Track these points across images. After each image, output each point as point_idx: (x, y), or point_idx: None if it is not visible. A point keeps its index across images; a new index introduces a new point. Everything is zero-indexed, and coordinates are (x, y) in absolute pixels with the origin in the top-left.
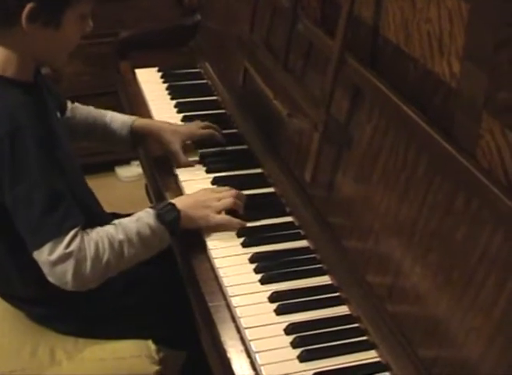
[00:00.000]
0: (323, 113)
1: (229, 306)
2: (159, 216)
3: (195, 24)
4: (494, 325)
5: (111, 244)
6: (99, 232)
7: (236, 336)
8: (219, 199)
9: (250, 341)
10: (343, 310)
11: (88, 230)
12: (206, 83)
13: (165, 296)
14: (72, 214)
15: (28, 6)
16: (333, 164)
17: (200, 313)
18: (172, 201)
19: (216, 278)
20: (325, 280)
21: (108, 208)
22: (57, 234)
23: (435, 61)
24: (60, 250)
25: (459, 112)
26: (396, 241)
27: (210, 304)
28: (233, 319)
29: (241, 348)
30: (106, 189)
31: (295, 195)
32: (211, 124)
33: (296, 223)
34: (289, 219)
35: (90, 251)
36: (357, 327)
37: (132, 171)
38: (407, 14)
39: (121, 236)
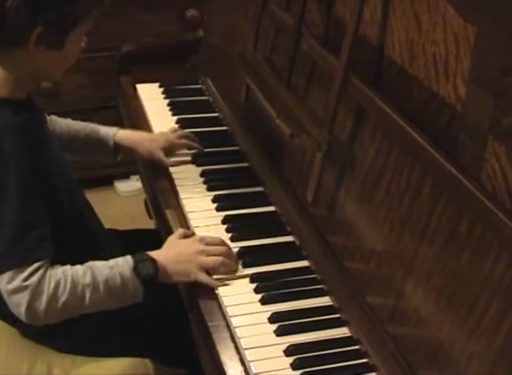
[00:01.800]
0: (326, 133)
1: (228, 326)
2: (135, 269)
3: (197, 40)
4: (497, 350)
5: (73, 286)
6: (65, 271)
7: (236, 357)
8: (208, 254)
9: (250, 361)
10: (343, 332)
11: (56, 267)
12: (207, 100)
13: (163, 314)
14: (41, 247)
15: (37, 30)
16: (335, 184)
17: (200, 333)
18: (154, 253)
19: (216, 298)
20: (325, 301)
21: (106, 224)
22: (19, 264)
23: (440, 83)
24: (18, 281)
25: (464, 135)
26: (399, 263)
27: (209, 323)
28: (233, 339)
29: (241, 368)
30: (105, 204)
31: (296, 215)
32: (185, 132)
33: (297, 243)
34: (289, 238)
35: (48, 289)
36: (357, 349)
37: (131, 185)
38: (412, 35)
39: (87, 280)
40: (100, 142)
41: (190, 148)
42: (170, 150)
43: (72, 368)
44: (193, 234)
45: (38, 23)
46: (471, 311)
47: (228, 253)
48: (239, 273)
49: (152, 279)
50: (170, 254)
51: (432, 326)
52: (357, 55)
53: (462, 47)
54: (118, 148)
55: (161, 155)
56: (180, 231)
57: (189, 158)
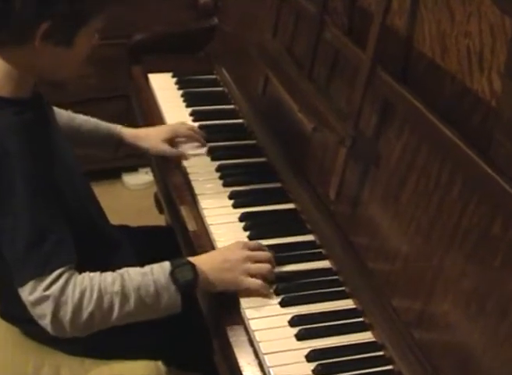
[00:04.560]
0: (351, 128)
1: (247, 329)
2: (172, 275)
3: (212, 28)
4: None
5: (100, 295)
6: (93, 279)
7: (255, 361)
8: (254, 260)
9: (270, 367)
10: (367, 336)
11: (83, 274)
12: (223, 91)
13: (177, 315)
14: (61, 252)
15: (44, 25)
16: (359, 181)
17: (217, 336)
18: (194, 258)
19: (234, 300)
20: (348, 303)
21: (114, 219)
22: (39, 273)
23: (473, 77)
24: (39, 291)
25: (498, 131)
26: (426, 265)
27: (227, 326)
28: (251, 343)
29: (259, 374)
30: (112, 198)
31: (317, 212)
32: (192, 126)
33: (318, 242)
34: (310, 237)
35: (73, 298)
36: (381, 355)
37: (140, 179)
38: (444, 27)
39: (116, 288)
40: (103, 140)
41: (193, 139)
42: (174, 139)
43: (82, 370)
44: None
45: (46, 18)
46: (504, 317)
47: (272, 259)
48: None
49: (191, 286)
50: (213, 261)
51: (462, 332)
52: (384, 46)
53: (498, 39)
54: (120, 145)
55: (164, 147)
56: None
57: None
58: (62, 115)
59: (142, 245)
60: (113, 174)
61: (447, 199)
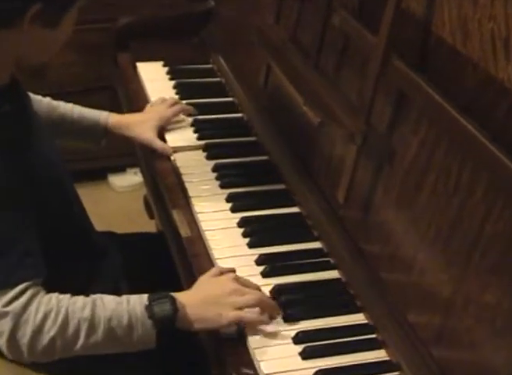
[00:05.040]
0: (362, 123)
1: (246, 348)
2: (149, 308)
3: (207, 11)
4: None
5: (66, 320)
6: (61, 300)
7: None
8: (242, 295)
9: None
10: (380, 355)
11: (51, 294)
12: (220, 82)
13: (173, 345)
14: (28, 264)
15: (34, 7)
16: (371, 182)
17: (213, 353)
18: (177, 293)
19: None
20: (359, 318)
21: (99, 224)
22: (1, 285)
23: (498, 65)
24: None
25: None
26: (447, 276)
27: (225, 343)
28: (251, 362)
29: None
30: (97, 201)
31: (324, 217)
32: (176, 99)
33: (325, 250)
34: (316, 245)
35: (35, 319)
36: None
37: (128, 180)
38: (466, 10)
39: (85, 314)
40: (88, 129)
41: (183, 112)
42: (166, 124)
43: None
44: (230, 271)
45: (36, 0)
46: None
47: (265, 299)
48: (260, 284)
49: (169, 322)
50: (197, 295)
51: (487, 350)
52: (399, 31)
53: None
54: (107, 134)
55: (151, 136)
56: (215, 270)
57: (188, 122)
58: (42, 104)
59: (130, 254)
60: (98, 175)
61: (469, 202)
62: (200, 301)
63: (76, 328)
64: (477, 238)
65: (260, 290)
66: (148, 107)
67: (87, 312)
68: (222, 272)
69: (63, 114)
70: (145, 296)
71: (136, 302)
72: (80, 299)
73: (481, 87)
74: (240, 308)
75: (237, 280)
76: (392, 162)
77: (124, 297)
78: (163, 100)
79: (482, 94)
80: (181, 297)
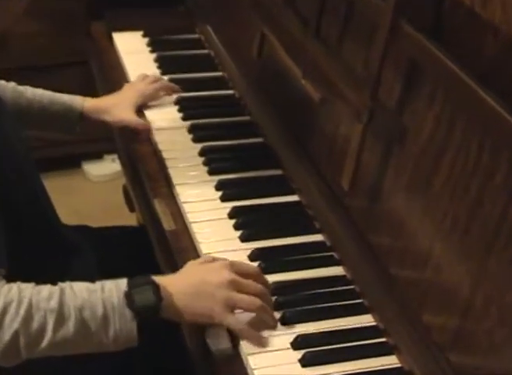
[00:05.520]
0: (368, 98)
1: (238, 354)
2: (128, 296)
3: None
4: None
5: (29, 312)
6: (23, 290)
7: None
8: (239, 288)
9: None
10: (390, 361)
11: (13, 284)
12: (208, 55)
13: (154, 351)
14: None
15: None
16: (380, 166)
17: (201, 360)
18: (161, 278)
19: None
20: (366, 320)
21: (72, 218)
22: None
23: None
24: None
25: None
26: (465, 271)
27: (213, 348)
28: (244, 371)
29: None
30: (70, 192)
31: (327, 206)
32: (156, 76)
33: (328, 244)
34: (318, 237)
35: None
36: None
37: (105, 168)
38: None
39: (52, 305)
40: (61, 116)
41: (166, 90)
42: (145, 102)
43: None
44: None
45: None
46: None
47: (266, 293)
48: None
49: (151, 313)
50: (185, 281)
51: (509, 355)
52: None
53: None
54: (84, 119)
55: (128, 114)
56: (207, 256)
57: (171, 100)
58: (6, 88)
59: (106, 250)
60: (71, 163)
61: (490, 186)
62: (190, 288)
63: (42, 321)
64: (498, 227)
65: (261, 274)
66: (127, 85)
67: (54, 302)
68: (215, 259)
69: (31, 100)
70: (123, 282)
71: (113, 289)
72: (46, 288)
73: (503, 54)
74: (234, 307)
75: (233, 266)
76: (403, 142)
77: (98, 283)
78: (144, 77)
79: (504, 62)
80: (165, 281)
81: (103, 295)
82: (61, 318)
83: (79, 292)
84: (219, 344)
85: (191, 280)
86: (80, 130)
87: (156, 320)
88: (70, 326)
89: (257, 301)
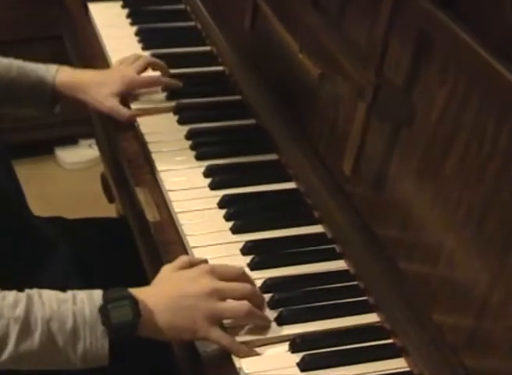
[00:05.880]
0: (373, 74)
1: (230, 358)
2: (103, 310)
3: None
4: None
5: None
6: None
7: None
8: (223, 296)
9: None
10: (399, 365)
11: None
12: (195, 27)
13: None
14: None
15: None
16: (386, 150)
17: (187, 365)
18: (139, 291)
19: None
20: (372, 319)
21: (44, 209)
22: None
23: None
24: None
25: None
26: (481, 265)
27: (201, 349)
28: None
29: None
30: (42, 181)
31: (327, 194)
32: (155, 60)
33: (329, 235)
34: (318, 228)
35: None
36: None
37: (81, 154)
38: None
39: (18, 312)
40: (32, 91)
41: (160, 85)
42: (130, 91)
43: None
44: (202, 262)
45: None
46: None
47: (254, 293)
48: None
49: (128, 331)
50: (164, 295)
51: None
52: None
53: None
54: (57, 96)
55: (114, 103)
56: (183, 259)
57: (161, 98)
58: None
59: (84, 244)
60: (43, 148)
61: (508, 172)
62: (169, 302)
63: (5, 330)
64: None
65: (245, 275)
66: (114, 67)
67: (19, 311)
68: (192, 263)
69: None
70: (97, 293)
71: (85, 301)
72: (12, 294)
73: None
74: (220, 319)
75: (214, 271)
76: (411, 122)
77: (69, 293)
78: (137, 57)
79: None
80: (143, 295)
81: (74, 307)
82: (26, 329)
83: (48, 301)
84: (208, 345)
85: (170, 292)
86: (61, 109)
87: (131, 338)
88: (35, 339)
89: (245, 307)
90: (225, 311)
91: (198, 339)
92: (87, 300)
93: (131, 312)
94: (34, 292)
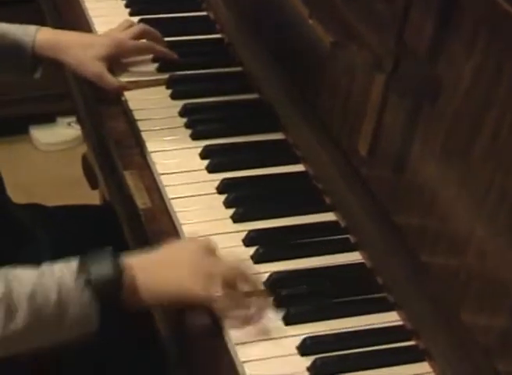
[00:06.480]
0: (392, 42)
1: (232, 360)
2: (82, 268)
3: None
4: None
5: None
6: None
7: None
8: (214, 264)
9: None
10: (422, 370)
11: None
12: None
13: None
14: None
15: None
16: (407, 128)
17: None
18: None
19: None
20: (392, 318)
21: (19, 195)
22: None
23: None
24: None
25: None
26: None
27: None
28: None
29: None
30: (15, 163)
31: (340, 178)
32: (151, 29)
33: (342, 224)
34: (330, 216)
35: None
36: None
37: (59, 134)
38: None
39: None
40: (10, 54)
41: (153, 53)
42: (120, 58)
43: None
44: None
45: None
46: None
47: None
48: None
49: (112, 288)
50: (150, 257)
51: None
52: None
53: None
54: (38, 59)
55: (101, 68)
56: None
57: (152, 69)
58: None
59: (63, 233)
60: (16, 127)
61: None
62: (156, 263)
63: None
64: None
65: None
66: (104, 32)
67: (0, 289)
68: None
69: None
70: (73, 259)
71: (64, 269)
72: None
73: None
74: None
75: (212, 250)
76: (435, 97)
77: (45, 266)
78: (132, 23)
79: None
80: (131, 256)
81: (54, 276)
82: (10, 308)
83: (25, 276)
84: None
85: (158, 256)
86: (42, 74)
87: (119, 309)
88: (22, 318)
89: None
90: (220, 266)
91: (189, 298)
92: (65, 267)
93: (111, 266)
94: (7, 270)
